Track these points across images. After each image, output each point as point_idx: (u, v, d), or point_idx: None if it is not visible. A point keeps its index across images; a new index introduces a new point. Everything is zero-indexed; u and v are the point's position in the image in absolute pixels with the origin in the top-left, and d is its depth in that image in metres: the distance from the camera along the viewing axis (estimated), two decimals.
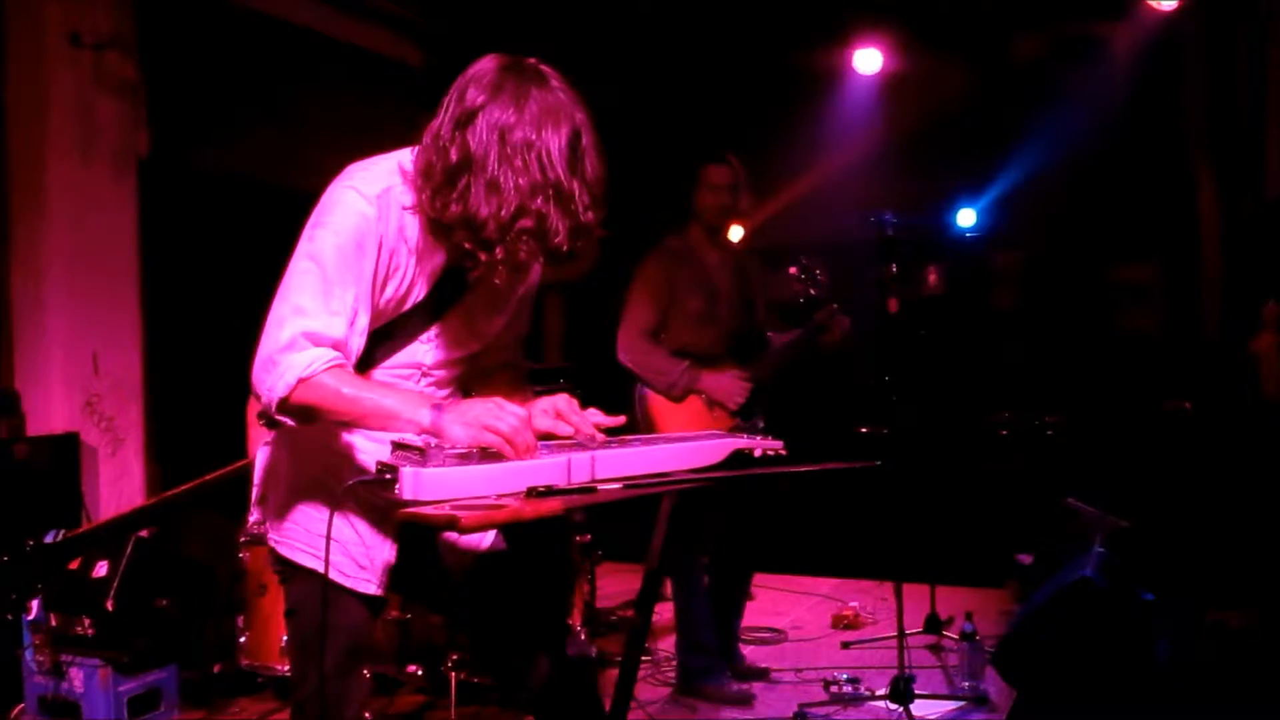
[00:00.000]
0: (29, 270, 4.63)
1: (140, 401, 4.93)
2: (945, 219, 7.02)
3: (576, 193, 1.88)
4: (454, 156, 1.86)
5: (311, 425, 1.99)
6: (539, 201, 1.85)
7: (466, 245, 1.90)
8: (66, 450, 4.54)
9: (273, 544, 2.15)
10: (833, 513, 5.41)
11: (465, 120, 1.87)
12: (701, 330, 4.18)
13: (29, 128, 4.61)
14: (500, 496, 1.77)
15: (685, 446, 2.21)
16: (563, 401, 2.06)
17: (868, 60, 6.75)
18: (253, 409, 4.59)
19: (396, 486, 1.72)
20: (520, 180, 1.84)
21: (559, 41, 6.38)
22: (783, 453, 2.33)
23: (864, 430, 5.63)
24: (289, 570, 2.12)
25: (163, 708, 4.12)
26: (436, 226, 1.95)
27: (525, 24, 6.32)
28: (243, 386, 4.84)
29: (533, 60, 1.96)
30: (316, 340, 1.88)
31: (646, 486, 2.03)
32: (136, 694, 4.02)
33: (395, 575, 2.15)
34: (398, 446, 1.80)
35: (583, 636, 4.36)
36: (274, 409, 1.89)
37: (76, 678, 3.96)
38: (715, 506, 4.20)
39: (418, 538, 2.12)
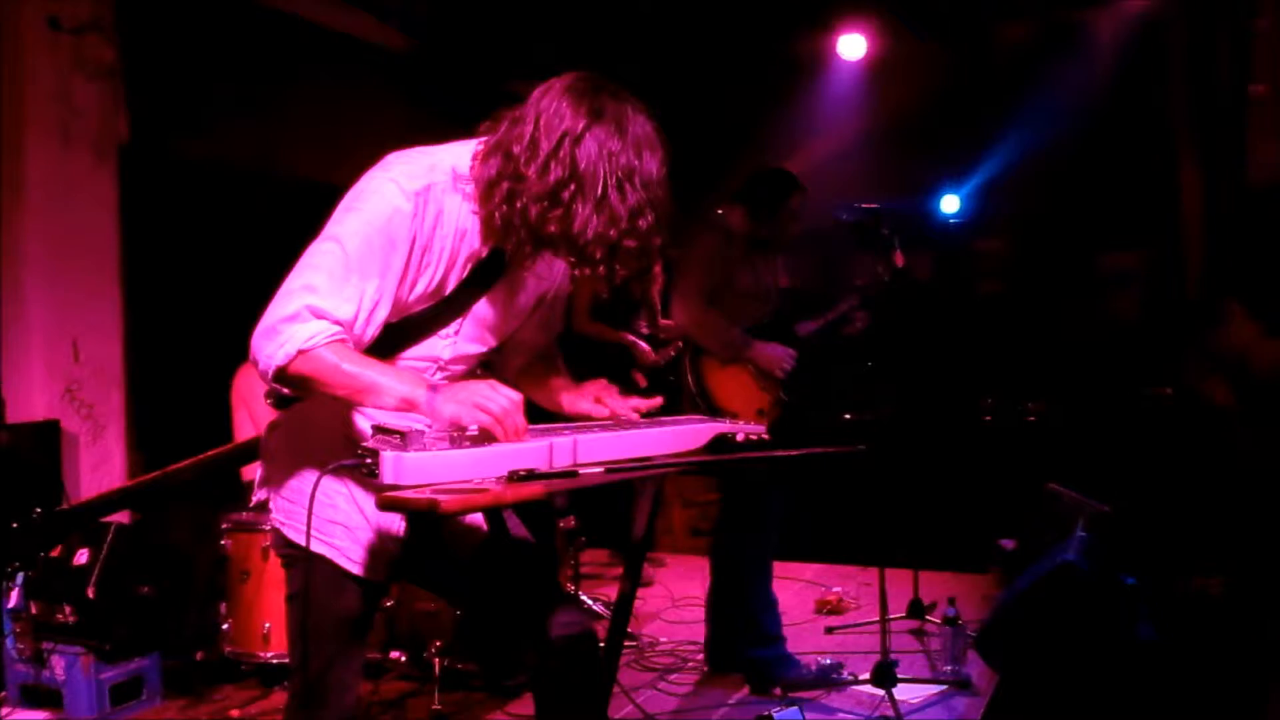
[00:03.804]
0: (8, 257, 4.59)
1: (121, 388, 4.90)
2: (929, 205, 7.03)
3: (665, 214, 1.97)
4: (559, 172, 1.89)
5: (314, 408, 2.01)
6: (642, 222, 1.92)
7: (570, 260, 1.96)
8: (47, 437, 4.51)
9: (278, 525, 2.15)
10: (817, 498, 5.42)
11: (571, 139, 1.90)
12: (745, 309, 4.23)
13: (7, 112, 4.56)
14: (481, 481, 1.77)
15: (667, 431, 2.21)
16: (602, 386, 2.25)
17: (852, 46, 6.75)
18: (235, 394, 4.59)
19: (377, 470, 1.71)
20: (630, 200, 1.91)
21: (541, 28, 6.39)
22: (765, 437, 2.34)
23: (848, 416, 5.64)
24: (294, 554, 2.11)
25: (145, 696, 4.12)
26: (511, 231, 1.96)
27: (509, 10, 6.29)
28: (225, 373, 4.83)
29: (613, 84, 2.00)
30: (321, 316, 1.88)
31: (628, 470, 2.03)
32: (119, 682, 4.02)
33: (400, 561, 2.16)
34: (379, 431, 1.80)
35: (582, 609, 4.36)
36: (270, 377, 1.89)
37: (58, 666, 3.95)
38: (777, 489, 4.22)
39: (424, 522, 2.11)
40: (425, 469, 1.72)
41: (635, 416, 2.21)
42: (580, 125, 1.90)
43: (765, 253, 4.32)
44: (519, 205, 1.92)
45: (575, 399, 2.32)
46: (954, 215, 6.99)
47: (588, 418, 2.23)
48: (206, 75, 5.17)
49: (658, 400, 2.27)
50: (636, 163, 1.92)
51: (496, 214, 1.95)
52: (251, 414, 4.49)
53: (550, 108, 1.93)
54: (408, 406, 1.86)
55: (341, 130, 5.68)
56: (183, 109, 5.14)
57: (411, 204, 1.94)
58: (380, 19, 6.19)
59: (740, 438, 2.32)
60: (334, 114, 5.77)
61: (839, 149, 6.77)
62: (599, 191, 1.89)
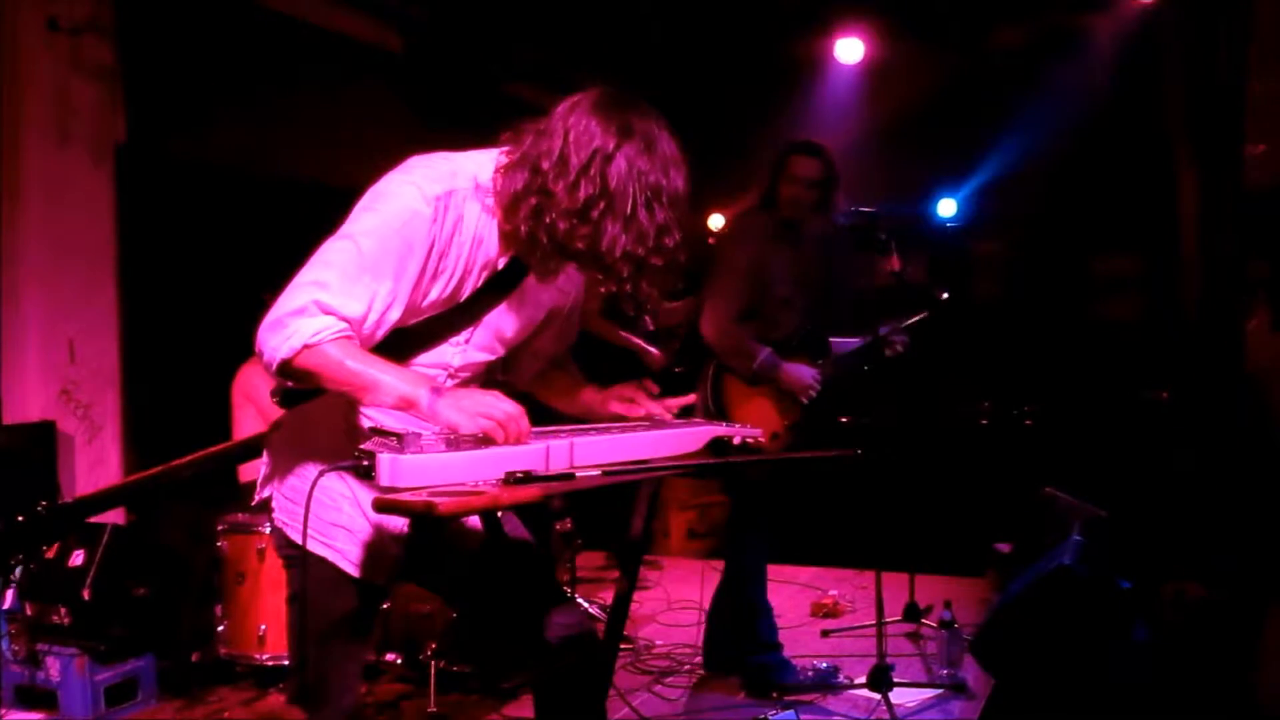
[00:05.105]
0: (5, 257, 4.58)
1: (117, 389, 4.89)
2: (926, 209, 7.04)
3: (689, 231, 2.01)
4: (589, 190, 1.91)
5: (317, 408, 2.03)
6: (668, 240, 1.95)
7: (597, 277, 1.99)
8: (43, 438, 4.51)
9: (280, 526, 2.16)
10: (812, 501, 5.42)
11: (602, 156, 1.91)
12: (781, 318, 4.18)
13: (5, 113, 4.55)
14: (478, 483, 1.77)
15: (664, 434, 2.21)
16: (635, 387, 2.30)
17: (850, 50, 6.75)
18: (239, 391, 4.58)
19: (374, 473, 1.71)
20: (658, 219, 1.93)
21: (539, 31, 6.39)
22: (761, 440, 2.35)
23: (845, 420, 5.64)
24: (296, 554, 2.11)
25: (140, 697, 4.11)
26: (536, 245, 1.97)
27: (507, 12, 6.29)
28: (222, 373, 4.81)
29: (638, 100, 2.02)
30: (329, 312, 1.88)
31: (625, 473, 2.03)
32: (113, 683, 4.01)
33: (402, 563, 2.17)
34: (375, 433, 1.80)
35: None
36: (274, 369, 1.90)
37: (53, 667, 3.94)
38: (776, 494, 4.21)
39: (425, 524, 2.11)
40: (422, 471, 1.72)
41: (669, 416, 2.25)
42: (611, 143, 1.91)
43: (795, 245, 4.23)
44: (547, 220, 1.93)
45: (605, 400, 2.34)
46: (951, 219, 7.00)
47: (622, 418, 2.26)
48: (204, 76, 5.16)
49: (691, 398, 2.33)
50: (664, 181, 1.94)
51: (522, 227, 1.96)
52: (260, 409, 4.47)
53: (579, 124, 1.93)
54: (407, 407, 1.87)
55: (339, 132, 5.67)
56: (180, 110, 5.13)
57: (431, 209, 1.94)
58: (378, 21, 6.19)
59: (737, 440, 2.32)
60: (332, 115, 5.77)
61: (836, 153, 6.77)
62: (628, 210, 1.91)
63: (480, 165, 2.03)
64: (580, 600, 5.15)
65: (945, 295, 4.48)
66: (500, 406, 1.86)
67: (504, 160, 2.01)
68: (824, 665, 4.24)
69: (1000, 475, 5.91)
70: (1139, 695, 3.54)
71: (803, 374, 4.11)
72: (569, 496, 4.80)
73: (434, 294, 2.01)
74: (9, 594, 3.91)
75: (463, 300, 2.06)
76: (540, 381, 2.41)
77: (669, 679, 4.39)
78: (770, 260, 4.14)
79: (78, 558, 3.99)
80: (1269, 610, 3.61)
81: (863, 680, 3.99)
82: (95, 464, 4.79)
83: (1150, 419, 6.05)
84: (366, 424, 2.02)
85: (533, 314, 2.21)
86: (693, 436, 2.28)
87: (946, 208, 7.07)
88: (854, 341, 4.32)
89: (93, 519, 3.75)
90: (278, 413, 2.19)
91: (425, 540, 2.14)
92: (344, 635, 2.12)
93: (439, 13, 6.31)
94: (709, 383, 4.14)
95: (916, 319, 4.36)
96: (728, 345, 4.09)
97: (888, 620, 4.06)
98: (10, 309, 4.58)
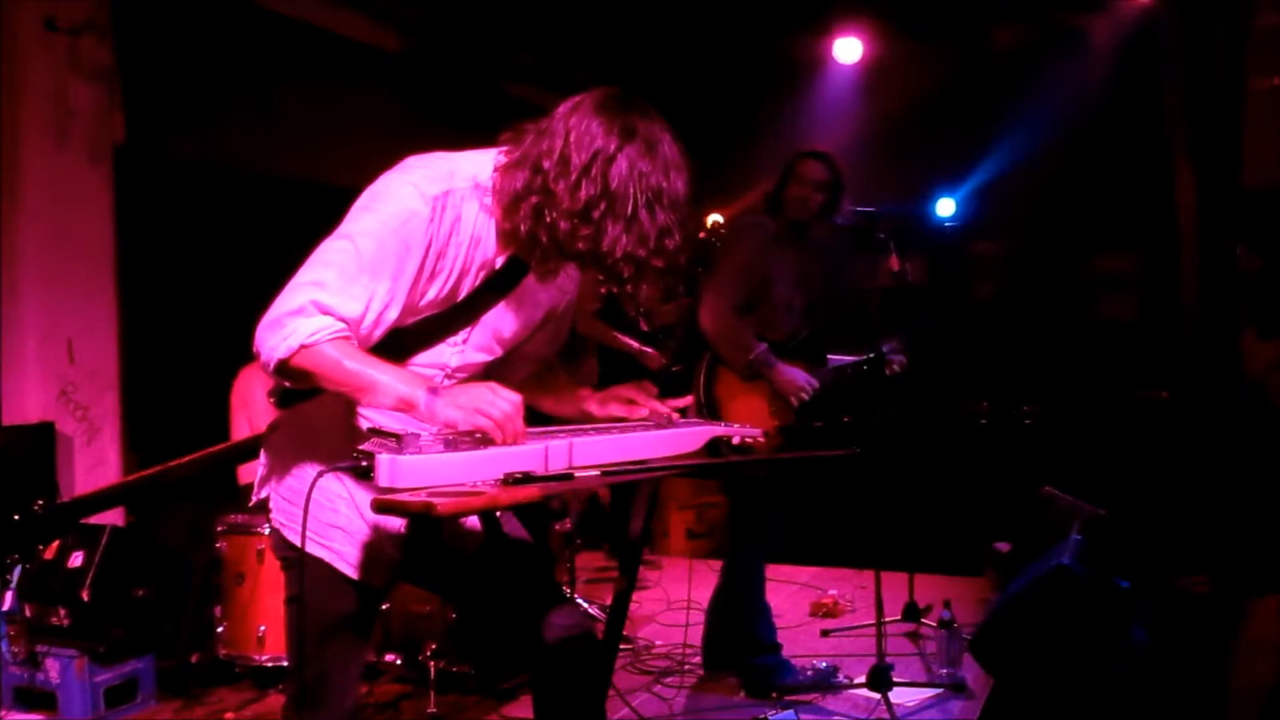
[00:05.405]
0: (3, 257, 4.58)
1: (116, 390, 4.89)
2: (925, 209, 7.04)
3: (690, 234, 2.03)
4: (591, 190, 1.91)
5: (315, 409, 2.04)
6: (669, 242, 1.96)
7: (598, 278, 2.00)
8: (42, 439, 4.50)
9: (278, 526, 2.15)
10: (812, 501, 5.42)
11: (604, 158, 1.91)
12: (780, 320, 4.17)
13: (3, 113, 4.56)
14: (477, 484, 1.77)
15: (662, 434, 2.21)
16: (635, 388, 2.31)
17: (848, 49, 6.75)
18: (236, 397, 4.58)
19: (373, 473, 1.71)
20: (659, 221, 1.94)
21: (537, 30, 6.39)
22: (760, 441, 2.34)
23: (845, 419, 5.64)
24: (294, 556, 2.11)
25: (139, 698, 4.11)
26: (536, 245, 1.98)
27: (506, 12, 6.29)
28: (221, 374, 4.81)
29: (642, 101, 2.03)
30: (326, 312, 1.88)
31: (623, 474, 2.03)
32: (113, 684, 4.01)
33: (400, 564, 2.16)
34: (374, 434, 1.80)
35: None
36: (271, 368, 1.90)
37: (52, 668, 3.94)
38: (777, 498, 4.20)
39: (423, 525, 2.11)
40: (421, 472, 1.72)
41: (677, 416, 2.25)
42: (613, 145, 1.92)
43: (798, 249, 4.22)
44: (548, 220, 1.93)
45: (605, 402, 2.34)
46: (950, 218, 6.99)
47: (623, 419, 2.26)
48: (202, 76, 5.17)
49: (689, 399, 2.34)
50: (664, 184, 1.94)
51: (522, 226, 1.96)
52: (250, 418, 4.48)
53: (581, 125, 1.93)
54: (405, 407, 1.87)
55: (337, 131, 5.68)
56: (179, 110, 5.13)
57: (429, 208, 1.94)
58: (376, 21, 6.19)
59: (736, 440, 2.32)
60: (330, 115, 5.77)
61: (834, 153, 6.77)
62: (629, 211, 1.91)
63: (479, 165, 2.03)
64: (580, 600, 5.15)
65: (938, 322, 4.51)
66: (497, 404, 1.85)
67: (503, 160, 2.00)
68: (823, 665, 4.23)
69: (1000, 475, 5.90)
70: (1139, 695, 3.55)
71: (796, 376, 4.11)
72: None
73: (431, 294, 2.01)
74: (8, 595, 3.91)
75: (460, 300, 2.06)
76: (536, 384, 2.40)
77: (668, 679, 4.39)
78: (773, 260, 4.14)
79: (77, 559, 3.99)
80: (1247, 608, 3.61)
81: (862, 680, 3.98)
82: (94, 465, 4.79)
83: (1150, 419, 6.05)
84: (365, 424, 2.02)
85: (531, 314, 2.20)
86: (691, 436, 2.28)
87: (945, 208, 7.06)
88: (853, 359, 4.33)
89: (91, 519, 3.76)
90: (267, 419, 2.20)
91: (424, 541, 2.14)
92: (343, 637, 2.12)
93: (439, 13, 6.31)
94: (703, 376, 4.13)
95: (912, 343, 4.39)
96: (725, 335, 4.07)
97: (887, 620, 4.06)
98: (9, 309, 4.57)
